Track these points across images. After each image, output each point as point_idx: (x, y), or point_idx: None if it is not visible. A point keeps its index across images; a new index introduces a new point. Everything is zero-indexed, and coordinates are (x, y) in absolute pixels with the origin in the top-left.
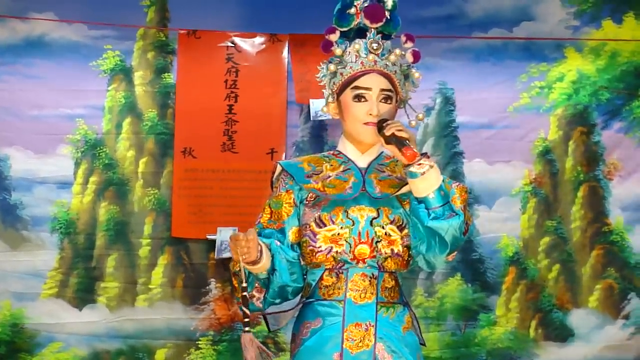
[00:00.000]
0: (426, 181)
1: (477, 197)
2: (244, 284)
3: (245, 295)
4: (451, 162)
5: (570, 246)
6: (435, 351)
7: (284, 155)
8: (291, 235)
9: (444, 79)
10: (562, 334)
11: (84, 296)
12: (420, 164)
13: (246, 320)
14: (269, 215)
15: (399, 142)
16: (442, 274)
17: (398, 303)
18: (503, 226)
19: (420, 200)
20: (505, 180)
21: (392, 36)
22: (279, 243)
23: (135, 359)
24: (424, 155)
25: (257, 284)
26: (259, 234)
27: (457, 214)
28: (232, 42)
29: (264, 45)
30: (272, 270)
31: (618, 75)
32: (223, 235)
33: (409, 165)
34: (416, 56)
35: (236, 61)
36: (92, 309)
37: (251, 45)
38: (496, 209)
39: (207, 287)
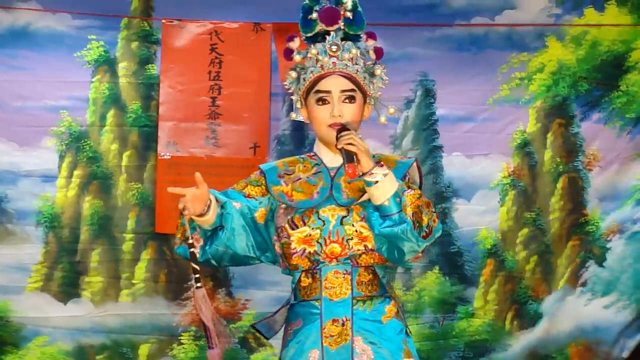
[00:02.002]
0: (379, 190)
1: (455, 190)
2: (191, 240)
3: (193, 252)
4: (430, 156)
5: (548, 237)
6: (413, 344)
7: (267, 150)
8: (258, 213)
9: (425, 69)
10: (533, 321)
11: (68, 290)
12: (372, 174)
13: (196, 275)
14: (242, 186)
15: (347, 157)
16: (421, 268)
17: (377, 295)
18: (482, 219)
19: (378, 208)
20: (484, 173)
21: (360, 35)
22: (239, 206)
23: (119, 354)
24: (378, 164)
25: (196, 233)
26: (224, 193)
27: (405, 222)
28: (216, 32)
29: (247, 35)
30: (221, 227)
31: (598, 66)
32: None
33: (363, 174)
34: (379, 53)
35: (220, 52)
36: (76, 303)
37: (235, 35)
38: (475, 202)
39: (190, 283)
